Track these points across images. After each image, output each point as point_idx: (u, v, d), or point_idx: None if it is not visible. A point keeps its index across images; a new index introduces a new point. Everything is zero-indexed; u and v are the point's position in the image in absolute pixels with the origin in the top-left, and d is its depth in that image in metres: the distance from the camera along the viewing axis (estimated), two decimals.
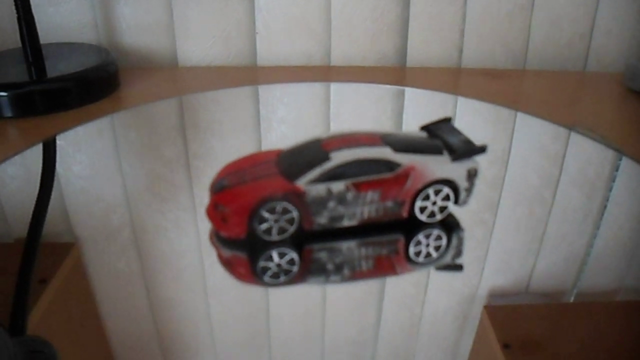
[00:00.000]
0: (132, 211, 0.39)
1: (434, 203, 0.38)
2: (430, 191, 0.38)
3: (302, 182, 0.36)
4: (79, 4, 0.66)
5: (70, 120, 0.52)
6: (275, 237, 0.36)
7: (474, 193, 0.39)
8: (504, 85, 0.64)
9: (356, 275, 0.34)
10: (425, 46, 0.71)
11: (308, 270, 0.34)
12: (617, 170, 0.45)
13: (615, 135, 0.51)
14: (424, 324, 0.30)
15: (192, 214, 0.38)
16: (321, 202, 0.36)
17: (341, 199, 0.36)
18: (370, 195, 0.37)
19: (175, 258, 0.35)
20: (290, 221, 0.36)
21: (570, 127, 0.51)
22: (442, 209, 0.38)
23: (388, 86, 0.62)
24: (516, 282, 0.33)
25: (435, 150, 0.39)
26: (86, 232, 0.37)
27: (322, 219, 0.36)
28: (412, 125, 0.53)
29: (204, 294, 0.32)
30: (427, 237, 0.37)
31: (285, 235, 0.36)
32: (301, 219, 0.36)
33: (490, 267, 0.34)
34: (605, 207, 0.41)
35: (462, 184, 0.38)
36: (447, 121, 0.43)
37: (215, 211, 0.36)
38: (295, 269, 0.34)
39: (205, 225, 0.37)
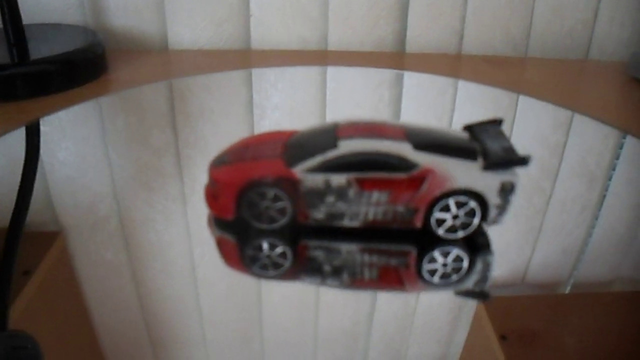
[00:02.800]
0: (120, 200, 0.38)
1: (456, 217, 0.33)
2: (451, 202, 0.33)
3: (298, 169, 0.33)
4: None
5: (54, 104, 0.51)
6: (264, 225, 0.34)
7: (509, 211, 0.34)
8: (504, 73, 0.64)
9: (357, 283, 0.31)
10: (425, 32, 0.70)
11: (302, 268, 0.32)
12: (617, 159, 0.45)
13: (620, 123, 0.50)
14: (419, 315, 0.30)
15: (181, 204, 0.38)
16: (318, 195, 0.33)
17: (341, 195, 0.33)
18: (377, 195, 0.33)
19: (164, 248, 0.34)
20: (282, 211, 0.33)
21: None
22: (465, 225, 0.33)
23: (386, 72, 0.61)
24: (513, 273, 0.33)
25: (468, 155, 0.33)
26: (71, 221, 0.36)
27: (319, 214, 0.33)
28: (410, 111, 0.52)
29: (193, 285, 0.31)
30: (445, 255, 0.33)
31: (276, 225, 0.34)
32: (295, 210, 0.33)
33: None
34: (604, 197, 0.40)
35: (493, 199, 0.33)
36: (495, 123, 0.37)
37: (208, 187, 0.35)
38: (287, 263, 0.32)
39: (194, 215, 0.36)
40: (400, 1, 0.69)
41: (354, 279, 0.31)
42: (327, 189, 0.33)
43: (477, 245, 0.34)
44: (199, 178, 0.39)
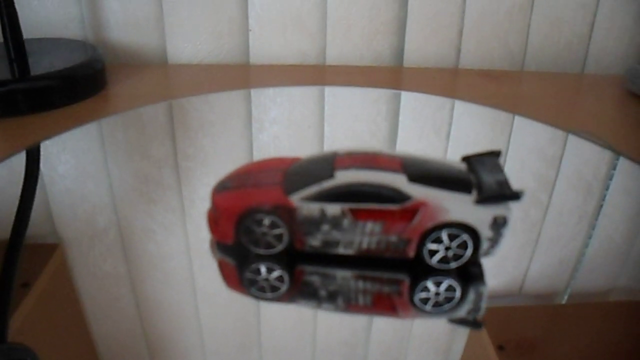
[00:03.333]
0: (119, 212, 0.38)
1: (448, 248, 0.33)
2: (443, 234, 0.33)
3: (295, 198, 0.33)
4: None
5: (54, 120, 0.51)
6: (262, 250, 0.34)
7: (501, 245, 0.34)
8: (502, 87, 0.64)
9: (351, 308, 0.31)
10: (423, 46, 0.71)
11: (298, 291, 0.32)
12: (614, 169, 0.45)
13: (618, 139, 0.50)
14: (416, 325, 0.30)
15: (180, 216, 0.38)
16: (314, 223, 0.33)
17: (336, 224, 0.33)
18: (371, 225, 0.33)
19: (163, 260, 0.34)
20: (279, 237, 0.34)
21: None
22: (458, 256, 0.34)
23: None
24: (510, 284, 0.33)
25: (462, 188, 0.34)
26: (71, 234, 0.36)
27: (315, 241, 0.34)
28: (407, 126, 0.52)
29: (192, 297, 0.31)
30: (437, 285, 0.33)
31: (274, 250, 0.34)
32: (291, 237, 0.34)
33: (484, 269, 0.34)
34: (600, 208, 0.40)
35: (485, 232, 0.33)
36: (493, 155, 0.37)
37: (211, 212, 0.35)
38: (284, 287, 0.33)
39: (194, 227, 0.36)
40: (398, 16, 0.69)
41: (349, 304, 0.31)
42: (323, 217, 0.33)
43: (470, 275, 0.34)
44: (199, 190, 0.39)
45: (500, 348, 0.28)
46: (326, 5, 0.68)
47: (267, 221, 0.34)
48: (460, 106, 0.57)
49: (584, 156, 0.48)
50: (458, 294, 0.32)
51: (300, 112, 0.54)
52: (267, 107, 0.55)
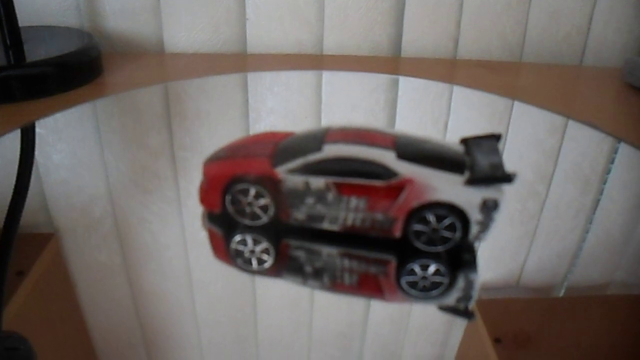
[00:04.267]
0: (115, 202, 0.38)
1: (435, 230, 0.32)
2: (430, 215, 0.32)
3: (281, 170, 0.33)
4: None
5: (50, 107, 0.51)
6: (248, 221, 0.34)
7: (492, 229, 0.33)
8: (500, 78, 0.64)
9: (337, 286, 0.31)
10: (421, 36, 0.71)
11: (284, 266, 0.32)
12: (612, 163, 0.45)
13: (616, 129, 0.50)
14: (413, 317, 0.30)
15: (176, 206, 0.38)
16: (298, 196, 0.33)
17: (320, 198, 0.33)
18: (355, 201, 0.33)
19: (159, 250, 0.34)
20: (264, 208, 0.34)
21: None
22: (446, 239, 0.33)
23: (381, 76, 0.61)
24: (507, 276, 0.33)
25: (454, 168, 0.33)
26: (66, 223, 0.36)
27: (300, 215, 0.34)
28: (405, 115, 0.52)
29: (189, 287, 0.31)
30: (424, 268, 0.32)
31: (259, 222, 0.34)
32: (277, 209, 0.34)
33: (481, 261, 0.33)
34: (598, 201, 0.40)
35: (474, 215, 0.32)
36: (492, 138, 0.36)
37: (202, 181, 0.35)
38: (270, 260, 0.33)
39: (190, 217, 0.36)
40: (396, 6, 0.69)
41: (334, 283, 0.31)
42: (307, 190, 0.33)
43: (460, 261, 0.33)
44: (195, 180, 0.39)
45: (497, 340, 0.28)
46: None
47: (252, 191, 0.34)
48: (458, 96, 0.57)
49: (582, 149, 0.48)
50: (446, 279, 0.32)
51: (297, 102, 0.54)
52: (264, 97, 0.54)
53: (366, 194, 0.32)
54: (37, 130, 0.46)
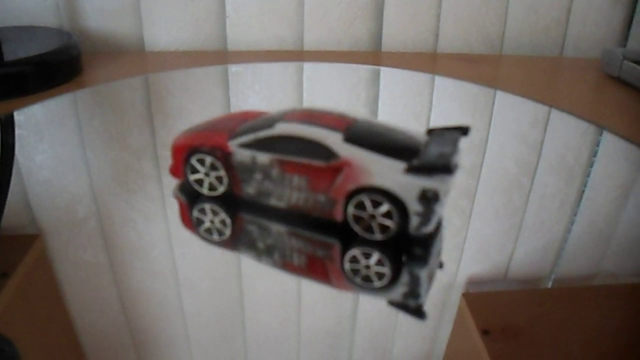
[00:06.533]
0: (98, 202, 0.38)
1: (373, 217, 0.32)
2: (366, 199, 0.31)
3: (233, 143, 0.34)
4: None
5: (29, 104, 0.50)
6: (206, 191, 0.36)
7: (434, 220, 0.31)
8: (481, 70, 0.64)
9: (287, 266, 0.31)
10: (401, 31, 0.71)
11: (239, 239, 0.33)
12: (594, 156, 0.45)
13: (596, 119, 0.51)
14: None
15: (160, 204, 0.37)
16: (247, 170, 0.34)
17: (266, 174, 0.34)
18: (297, 179, 0.33)
19: (144, 249, 0.34)
20: (219, 179, 0.35)
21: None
22: (384, 227, 0.32)
23: (363, 72, 0.61)
24: (494, 269, 0.33)
25: (400, 155, 0.32)
26: (50, 224, 0.36)
27: (250, 189, 0.35)
28: (387, 110, 0.52)
29: (175, 285, 0.31)
30: (367, 257, 0.31)
31: (216, 193, 0.36)
32: (230, 181, 0.35)
33: (468, 255, 0.34)
34: (582, 192, 0.40)
35: (413, 205, 0.31)
36: (458, 130, 0.35)
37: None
38: (227, 232, 0.34)
39: (174, 216, 0.36)
40: (376, 1, 0.69)
41: (285, 262, 0.32)
42: (254, 165, 0.34)
43: (408, 254, 0.32)
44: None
45: (485, 333, 0.28)
46: None
47: (207, 161, 0.35)
48: (440, 91, 0.57)
49: (565, 140, 0.48)
50: (388, 270, 0.31)
51: (278, 99, 0.54)
52: (245, 95, 0.54)
53: (306, 174, 0.33)
54: (18, 131, 0.46)
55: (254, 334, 0.28)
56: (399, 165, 0.31)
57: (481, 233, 0.36)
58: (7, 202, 0.38)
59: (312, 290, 0.31)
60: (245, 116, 0.38)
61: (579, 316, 0.30)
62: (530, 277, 0.33)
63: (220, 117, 0.39)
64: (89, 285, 0.31)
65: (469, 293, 0.31)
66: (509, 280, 0.33)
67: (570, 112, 0.51)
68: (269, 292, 0.31)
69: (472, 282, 0.32)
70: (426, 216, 0.31)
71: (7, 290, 0.30)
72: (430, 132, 0.35)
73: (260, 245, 0.33)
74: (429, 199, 0.31)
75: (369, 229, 0.32)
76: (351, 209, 0.32)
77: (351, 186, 0.32)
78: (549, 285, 0.33)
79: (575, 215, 0.38)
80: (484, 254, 0.34)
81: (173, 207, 0.37)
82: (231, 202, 0.36)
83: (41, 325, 0.28)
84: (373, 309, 0.30)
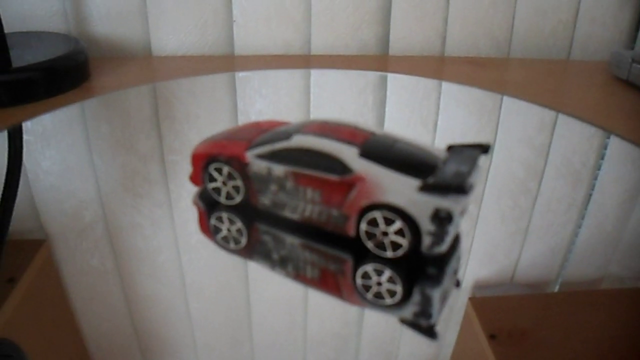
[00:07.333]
0: (105, 207, 0.38)
1: (385, 234, 0.31)
2: (379, 216, 0.31)
3: (250, 154, 0.35)
4: None
5: (37, 112, 0.50)
6: (223, 199, 0.37)
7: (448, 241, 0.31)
8: (488, 74, 0.64)
9: (301, 278, 0.31)
10: (408, 34, 0.71)
11: (255, 248, 0.33)
12: (602, 159, 0.45)
13: (604, 122, 0.51)
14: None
15: (167, 210, 0.37)
16: (263, 181, 0.34)
17: (281, 185, 0.34)
18: (311, 192, 0.33)
19: (151, 255, 0.34)
20: (236, 189, 0.36)
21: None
22: (396, 245, 0.31)
23: (370, 77, 0.61)
24: (501, 273, 0.33)
25: (416, 172, 0.31)
26: (57, 229, 0.36)
27: (266, 200, 0.35)
28: (394, 115, 0.52)
29: (182, 291, 0.31)
30: (379, 273, 0.31)
31: (233, 202, 0.36)
32: (247, 191, 0.35)
33: (475, 259, 0.33)
34: (590, 196, 0.40)
35: (425, 224, 0.30)
36: (477, 148, 0.34)
37: None
38: (243, 241, 0.34)
39: (182, 220, 0.36)
40: (383, 5, 0.69)
41: (298, 274, 0.31)
42: (269, 177, 0.34)
43: (421, 273, 0.31)
44: (185, 184, 0.39)
45: (492, 337, 0.28)
46: None
47: (225, 171, 0.35)
48: (447, 95, 0.57)
49: (572, 144, 0.48)
50: (400, 288, 0.30)
51: (285, 104, 0.54)
52: (252, 99, 0.54)
53: (320, 187, 0.33)
54: (25, 137, 0.46)
55: (261, 338, 0.28)
56: (414, 183, 0.31)
57: (488, 237, 0.36)
58: (15, 208, 0.38)
59: (319, 295, 0.31)
60: (267, 125, 0.38)
61: (586, 320, 0.30)
62: (537, 281, 0.33)
63: (242, 125, 0.39)
64: (96, 290, 0.31)
65: (476, 297, 0.31)
66: (516, 284, 0.32)
67: (578, 116, 0.51)
68: (275, 296, 0.31)
69: (478, 286, 0.32)
70: (439, 236, 0.30)
71: (15, 295, 0.30)
72: (450, 148, 0.35)
73: (275, 255, 0.33)
74: (442, 219, 0.30)
75: (381, 246, 0.32)
76: (364, 225, 0.32)
77: (364, 202, 0.31)
78: (556, 289, 0.32)
79: (582, 219, 0.38)
80: (490, 258, 0.34)
81: (180, 212, 0.37)
82: (248, 212, 0.36)
83: (48, 331, 0.29)
84: (379, 314, 0.30)
